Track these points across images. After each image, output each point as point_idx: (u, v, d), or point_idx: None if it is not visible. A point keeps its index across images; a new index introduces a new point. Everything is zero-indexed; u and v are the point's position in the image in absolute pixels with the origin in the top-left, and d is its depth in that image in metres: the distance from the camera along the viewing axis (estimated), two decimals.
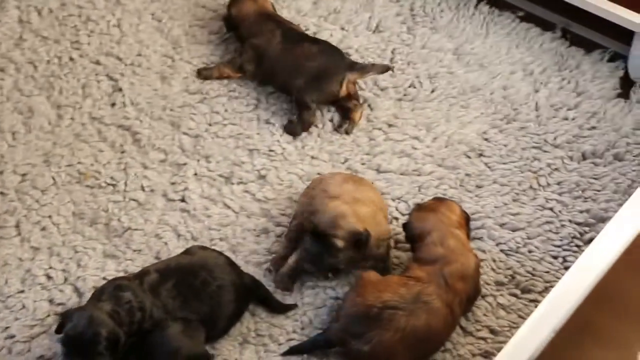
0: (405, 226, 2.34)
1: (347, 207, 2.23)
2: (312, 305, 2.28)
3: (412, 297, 2.12)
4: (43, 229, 2.44)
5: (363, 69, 2.64)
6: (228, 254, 2.31)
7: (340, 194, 2.28)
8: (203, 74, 2.76)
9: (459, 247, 2.24)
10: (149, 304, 2.11)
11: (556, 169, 2.55)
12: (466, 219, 2.36)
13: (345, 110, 2.66)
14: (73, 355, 2.03)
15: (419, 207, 2.35)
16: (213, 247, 2.34)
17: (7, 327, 2.24)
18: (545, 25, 2.92)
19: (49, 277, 2.34)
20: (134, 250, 2.38)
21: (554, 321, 1.57)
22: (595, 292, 1.60)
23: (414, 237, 2.29)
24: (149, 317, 2.11)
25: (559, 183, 2.52)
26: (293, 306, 2.27)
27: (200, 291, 2.16)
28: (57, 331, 2.10)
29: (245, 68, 2.74)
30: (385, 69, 2.66)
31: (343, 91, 2.62)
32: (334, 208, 2.23)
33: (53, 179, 2.53)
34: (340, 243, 2.19)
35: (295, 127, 2.63)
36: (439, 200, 2.38)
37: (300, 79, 2.62)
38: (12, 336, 2.22)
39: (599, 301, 1.69)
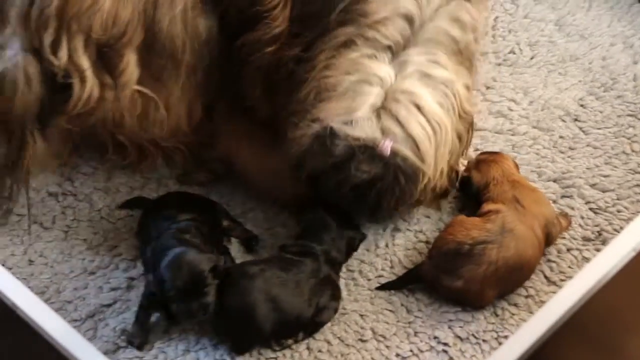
0: (465, 184, 2.42)
1: None
2: (402, 247, 2.37)
3: (498, 229, 2.20)
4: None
5: None
6: None
7: None
8: None
9: (524, 181, 2.37)
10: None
11: None
12: (517, 166, 2.46)
13: None
14: (187, 301, 2.09)
15: (476, 163, 2.42)
16: None
17: (115, 246, 2.40)
18: None
19: None
20: None
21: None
22: None
23: (478, 189, 2.37)
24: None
25: None
26: None
27: None
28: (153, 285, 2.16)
29: None
30: None
31: None
32: None
33: None
34: None
35: None
36: (490, 153, 2.46)
37: None
38: (120, 254, 2.38)
39: None
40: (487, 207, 2.29)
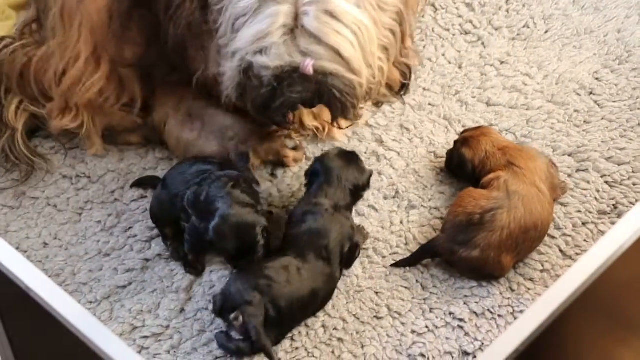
0: (459, 165, 2.39)
1: None
2: (417, 224, 2.36)
3: (504, 194, 2.21)
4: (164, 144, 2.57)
5: None
6: None
7: None
8: None
9: (512, 144, 2.38)
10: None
11: None
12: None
13: None
14: (238, 258, 2.13)
15: (463, 141, 2.40)
16: None
17: (129, 228, 2.40)
18: None
19: None
20: None
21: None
22: None
23: (473, 166, 2.36)
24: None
25: None
26: None
27: None
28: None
29: None
30: None
31: None
32: None
33: None
34: None
35: None
36: (474, 129, 2.45)
37: None
38: (135, 235, 2.38)
39: None
40: (488, 177, 2.29)
